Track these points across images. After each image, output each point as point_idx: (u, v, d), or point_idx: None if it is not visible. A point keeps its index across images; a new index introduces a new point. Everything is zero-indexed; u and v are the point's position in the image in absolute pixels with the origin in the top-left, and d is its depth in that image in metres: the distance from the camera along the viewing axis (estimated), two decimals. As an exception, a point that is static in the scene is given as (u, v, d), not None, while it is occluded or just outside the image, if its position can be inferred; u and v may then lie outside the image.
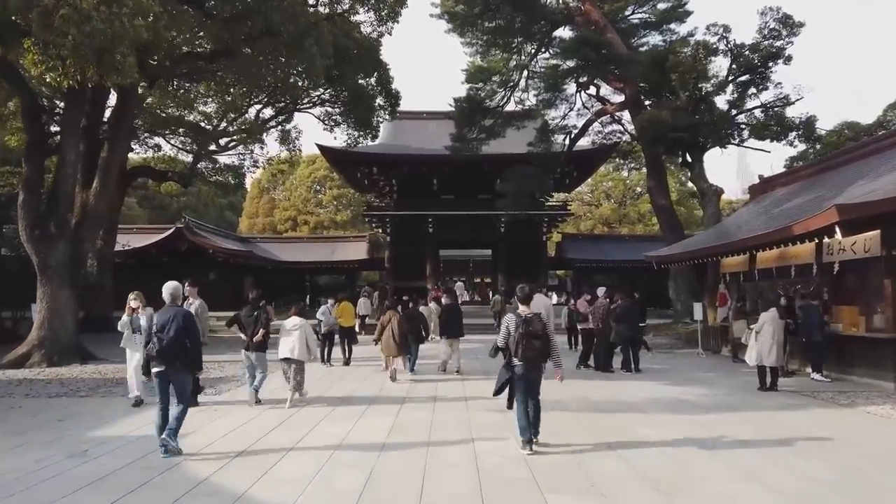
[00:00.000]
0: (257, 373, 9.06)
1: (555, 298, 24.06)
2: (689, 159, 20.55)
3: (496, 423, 7.81)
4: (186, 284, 8.44)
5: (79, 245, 15.14)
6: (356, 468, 5.81)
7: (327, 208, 60.44)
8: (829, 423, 7.87)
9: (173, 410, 6.20)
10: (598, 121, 26.93)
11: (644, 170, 63.72)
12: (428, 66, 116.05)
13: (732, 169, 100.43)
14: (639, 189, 63.20)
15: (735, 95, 19.97)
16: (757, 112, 20.15)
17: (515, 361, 6.38)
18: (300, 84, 19.11)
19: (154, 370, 6.23)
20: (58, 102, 19.49)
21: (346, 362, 14.31)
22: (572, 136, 27.36)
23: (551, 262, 37.31)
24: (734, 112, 20.06)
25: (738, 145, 20.49)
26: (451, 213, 33.12)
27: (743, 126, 20.21)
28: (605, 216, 60.34)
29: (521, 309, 6.58)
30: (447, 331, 12.66)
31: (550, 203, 34.72)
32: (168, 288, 6.45)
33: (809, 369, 11.76)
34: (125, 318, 9.11)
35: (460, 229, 33.77)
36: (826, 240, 11.64)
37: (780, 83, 19.68)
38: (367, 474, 5.61)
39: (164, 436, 6.15)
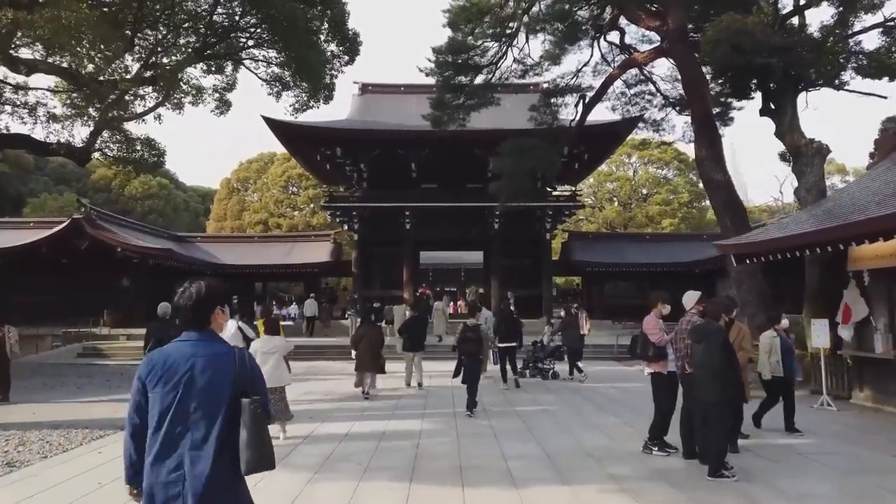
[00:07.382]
0: None
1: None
2: (771, 106, 14.04)
3: None
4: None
5: None
6: None
7: (302, 210, 54.58)
8: None
9: None
10: (622, 77, 20.41)
11: (651, 168, 58.03)
12: (411, 37, 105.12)
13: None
14: (645, 190, 57.32)
15: (841, 8, 13.47)
16: (868, 40, 13.78)
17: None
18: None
19: None
20: None
21: None
22: (586, 100, 20.97)
23: (555, 265, 30.74)
24: (834, 37, 13.53)
25: (839, 88, 14.02)
26: (434, 206, 26.84)
27: (850, 57, 13.66)
28: (610, 219, 55.11)
29: (470, 321, 10.62)
30: (406, 344, 12.68)
31: (555, 194, 28.50)
32: (162, 307, 8.98)
33: None
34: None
35: (445, 226, 27.62)
36: None
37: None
38: None
39: None
